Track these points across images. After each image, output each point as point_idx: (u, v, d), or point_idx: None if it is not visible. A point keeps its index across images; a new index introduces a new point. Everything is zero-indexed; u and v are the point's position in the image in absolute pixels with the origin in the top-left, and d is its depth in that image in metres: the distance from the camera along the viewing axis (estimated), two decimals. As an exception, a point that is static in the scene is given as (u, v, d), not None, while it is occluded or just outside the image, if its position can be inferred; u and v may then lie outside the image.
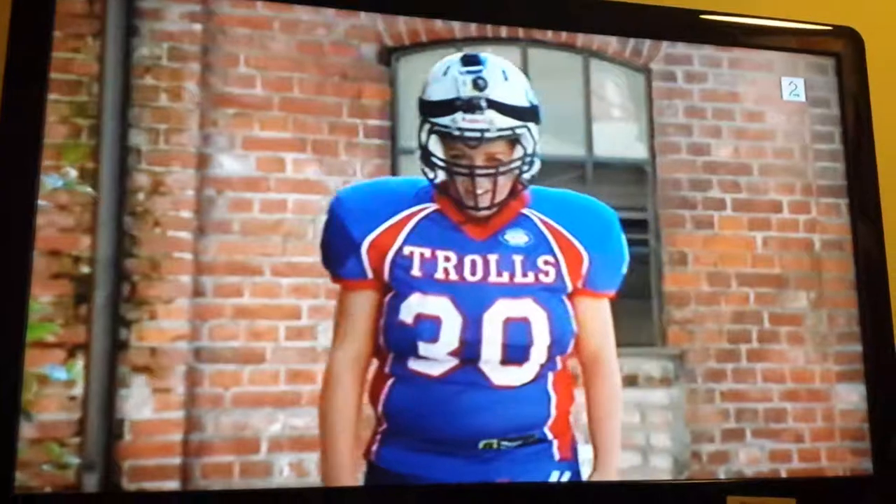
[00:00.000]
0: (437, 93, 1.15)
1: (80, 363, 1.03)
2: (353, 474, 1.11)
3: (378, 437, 1.14)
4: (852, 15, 1.42)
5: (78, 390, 1.03)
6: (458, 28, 1.22)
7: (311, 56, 1.16)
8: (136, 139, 1.09)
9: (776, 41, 1.34)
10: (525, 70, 1.23)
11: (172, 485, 1.05)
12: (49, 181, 1.05)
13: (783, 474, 1.22)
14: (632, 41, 1.28)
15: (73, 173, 1.06)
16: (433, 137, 1.15)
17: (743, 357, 1.24)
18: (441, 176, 1.16)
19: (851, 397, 1.26)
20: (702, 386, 1.22)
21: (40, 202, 1.04)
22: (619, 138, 1.27)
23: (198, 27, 1.13)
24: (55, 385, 1.02)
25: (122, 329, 1.05)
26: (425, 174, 1.16)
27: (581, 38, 1.26)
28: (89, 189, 1.06)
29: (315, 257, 1.13)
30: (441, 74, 1.15)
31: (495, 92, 1.14)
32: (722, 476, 1.20)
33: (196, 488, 1.05)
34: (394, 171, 1.17)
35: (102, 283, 1.05)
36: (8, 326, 1.02)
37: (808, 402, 1.25)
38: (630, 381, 1.20)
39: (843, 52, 1.35)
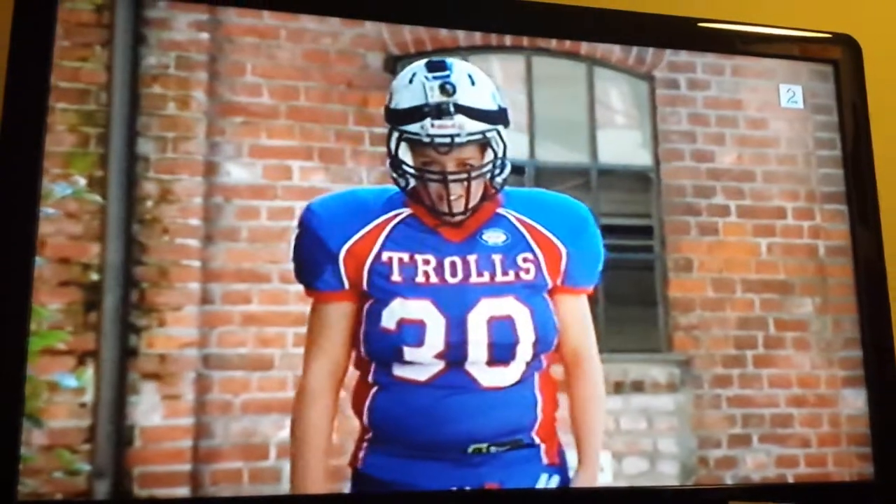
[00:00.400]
0: (405, 101, 1.15)
1: (90, 370, 1.04)
2: (323, 485, 1.10)
3: (364, 444, 1.14)
4: (850, 22, 1.43)
5: (88, 397, 1.03)
6: (462, 37, 1.23)
7: (318, 65, 1.17)
8: (144, 147, 1.09)
9: (774, 48, 1.35)
10: (529, 78, 1.24)
11: (183, 491, 1.05)
12: (58, 189, 1.05)
13: (790, 479, 1.22)
14: (635, 49, 1.28)
15: (82, 181, 1.06)
16: (403, 146, 1.15)
17: (749, 363, 1.24)
18: (412, 183, 1.16)
19: (857, 402, 1.26)
20: (708, 392, 1.22)
21: (49, 210, 1.05)
22: (624, 145, 1.27)
23: (205, 36, 1.13)
24: (65, 392, 1.03)
25: (131, 336, 1.05)
26: (396, 183, 1.16)
27: (585, 47, 1.27)
28: (98, 197, 1.07)
29: (322, 264, 1.14)
30: (407, 82, 1.15)
31: (463, 96, 1.14)
32: (729, 481, 1.20)
33: (206, 495, 1.05)
34: (399, 178, 1.18)
35: (111, 290, 1.05)
36: (10, 334, 1.02)
37: (814, 407, 1.25)
38: (636, 386, 1.20)
39: (840, 59, 1.36)
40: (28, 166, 1.05)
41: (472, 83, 1.15)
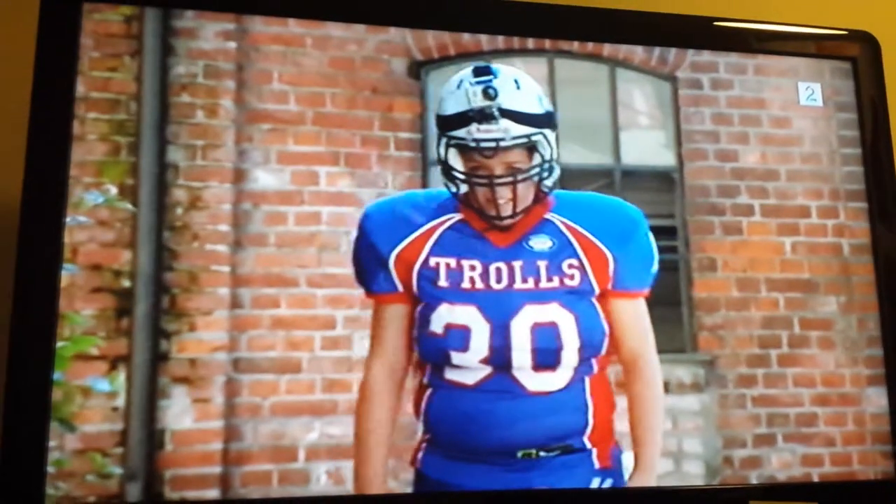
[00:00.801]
0: (451, 106, 1.16)
1: (122, 375, 1.05)
2: (383, 483, 1.12)
3: (423, 445, 1.15)
4: (869, 19, 1.42)
5: (120, 401, 1.05)
6: (485, 41, 1.23)
7: (343, 71, 1.18)
8: (174, 155, 1.11)
9: (792, 46, 1.35)
10: (552, 80, 1.24)
11: (213, 493, 1.06)
12: (90, 198, 1.07)
13: (815, 478, 1.22)
14: (657, 50, 1.28)
15: (114, 190, 1.08)
16: (451, 151, 1.16)
17: (773, 362, 1.24)
18: (463, 188, 1.17)
19: (882, 401, 1.26)
20: (733, 391, 1.23)
21: (82, 218, 1.06)
22: (647, 146, 1.27)
23: (232, 45, 1.14)
24: (98, 397, 1.04)
25: (162, 341, 1.07)
26: (448, 188, 1.17)
27: (607, 48, 1.27)
28: (129, 205, 1.08)
29: (349, 268, 1.14)
30: (455, 88, 1.16)
31: (507, 100, 1.15)
32: (754, 481, 1.21)
33: (236, 497, 1.07)
34: (424, 182, 1.18)
35: (143, 296, 1.07)
36: (38, 342, 1.04)
37: (839, 406, 1.25)
38: (662, 386, 1.21)
39: (859, 56, 1.35)
40: (54, 175, 1.06)
41: (518, 87, 1.16)
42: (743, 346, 1.24)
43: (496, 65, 1.18)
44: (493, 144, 1.14)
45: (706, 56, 1.30)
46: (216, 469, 1.07)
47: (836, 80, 1.34)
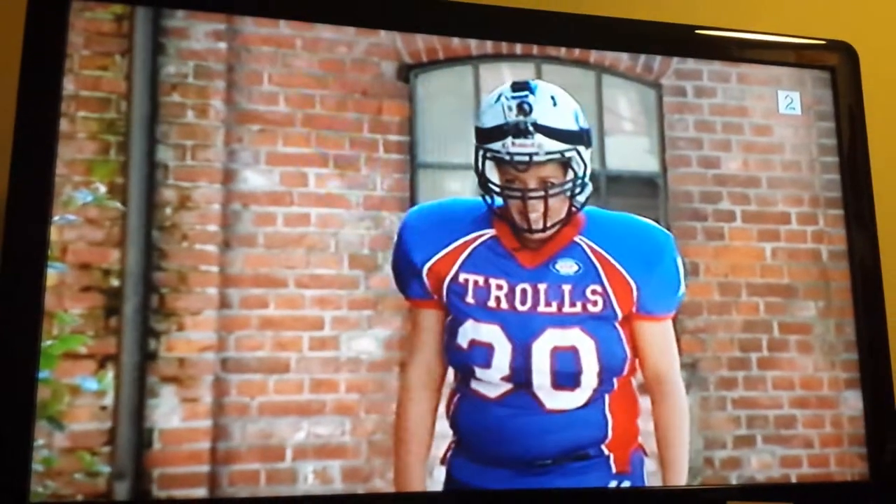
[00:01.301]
0: (489, 120, 1.17)
1: (111, 374, 1.05)
2: (420, 483, 1.14)
3: (451, 446, 1.18)
4: (848, 29, 1.44)
5: (108, 400, 1.05)
6: (474, 45, 1.24)
7: (333, 73, 1.18)
8: (164, 155, 1.11)
9: (772, 55, 1.36)
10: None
11: (200, 492, 1.06)
12: (79, 196, 1.07)
13: (793, 479, 1.24)
14: (643, 57, 1.30)
15: (103, 189, 1.08)
16: (488, 164, 1.17)
17: (753, 365, 1.26)
18: (499, 201, 1.18)
19: (859, 404, 1.28)
20: (714, 394, 1.24)
21: (71, 217, 1.06)
22: (632, 152, 1.28)
23: (223, 46, 1.15)
24: (86, 395, 1.04)
25: (151, 340, 1.07)
26: (484, 200, 1.19)
27: (594, 55, 1.28)
28: (118, 204, 1.08)
29: (337, 269, 1.15)
30: (493, 101, 1.18)
31: (542, 116, 1.16)
32: (734, 482, 1.22)
33: (223, 496, 1.07)
34: (412, 185, 1.19)
35: (131, 295, 1.07)
36: (23, 338, 1.03)
37: (816, 408, 1.27)
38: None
39: (837, 65, 1.37)
40: (41, 173, 1.06)
41: (554, 104, 1.18)
42: (724, 349, 1.25)
43: (535, 81, 1.19)
44: (526, 158, 1.16)
45: (690, 64, 1.31)
46: (204, 468, 1.07)
47: (817, 90, 1.36)
